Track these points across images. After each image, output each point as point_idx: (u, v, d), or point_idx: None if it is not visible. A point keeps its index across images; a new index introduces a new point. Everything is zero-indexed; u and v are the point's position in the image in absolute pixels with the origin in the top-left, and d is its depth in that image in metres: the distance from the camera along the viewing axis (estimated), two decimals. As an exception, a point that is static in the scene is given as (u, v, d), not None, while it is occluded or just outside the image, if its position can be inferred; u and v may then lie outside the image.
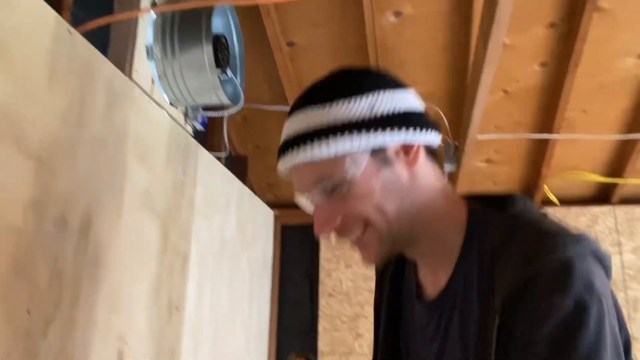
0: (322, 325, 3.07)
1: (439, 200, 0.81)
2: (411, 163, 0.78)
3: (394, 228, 0.77)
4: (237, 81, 2.00)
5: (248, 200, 2.77)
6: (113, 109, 1.50)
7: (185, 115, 2.02)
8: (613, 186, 2.95)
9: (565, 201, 3.08)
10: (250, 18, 2.23)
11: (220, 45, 1.87)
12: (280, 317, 3.18)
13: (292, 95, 2.51)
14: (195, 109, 2.03)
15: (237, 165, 2.96)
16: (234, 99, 2.00)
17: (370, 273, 3.07)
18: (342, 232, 0.80)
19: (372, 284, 3.18)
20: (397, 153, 0.78)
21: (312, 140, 0.75)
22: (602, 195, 3.08)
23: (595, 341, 0.62)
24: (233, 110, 2.03)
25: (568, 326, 0.62)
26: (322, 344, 3.04)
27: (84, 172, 1.36)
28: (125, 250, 1.54)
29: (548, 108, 2.56)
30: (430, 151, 0.83)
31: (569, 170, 2.91)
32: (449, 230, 0.80)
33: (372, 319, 3.22)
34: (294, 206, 3.33)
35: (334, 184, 0.76)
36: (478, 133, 2.14)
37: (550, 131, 2.60)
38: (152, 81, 1.79)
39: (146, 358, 1.65)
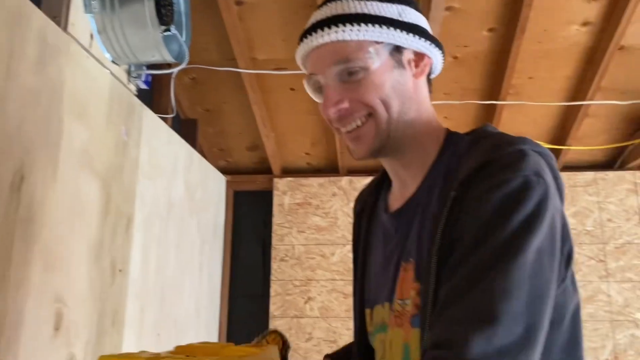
0: (274, 289, 3.10)
1: (429, 117, 0.89)
2: (418, 74, 0.87)
3: (392, 125, 0.84)
4: (182, 39, 1.94)
5: (197, 164, 2.73)
6: (46, 62, 1.44)
7: (128, 73, 1.96)
8: (557, 152, 3.04)
9: (512, 167, 3.16)
10: (197, -25, 2.17)
11: (163, 1, 1.81)
12: (232, 282, 3.19)
13: (241, 56, 2.46)
14: (138, 66, 1.96)
15: (186, 129, 2.90)
16: (179, 58, 1.95)
17: (323, 238, 3.11)
18: (345, 116, 0.85)
19: (325, 249, 3.21)
20: (409, 61, 0.86)
21: (345, 24, 0.82)
22: (547, 162, 3.17)
23: (533, 216, 0.69)
24: (177, 68, 1.97)
25: (512, 197, 0.70)
26: (274, 307, 3.07)
27: (14, 127, 1.30)
28: (62, 209, 1.50)
29: (496, 74, 2.60)
30: (429, 76, 0.92)
31: (516, 137, 2.98)
32: (429, 145, 0.88)
33: (323, 283, 3.24)
34: (247, 172, 3.32)
35: (353, 68, 0.82)
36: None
37: (497, 97, 2.65)
38: (91, 36, 1.73)
39: (87, 319, 1.63)
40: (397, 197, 0.94)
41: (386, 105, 0.84)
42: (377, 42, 0.83)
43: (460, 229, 0.73)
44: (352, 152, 0.89)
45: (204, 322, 2.80)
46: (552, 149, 2.99)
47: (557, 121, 2.90)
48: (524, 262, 0.66)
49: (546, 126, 2.93)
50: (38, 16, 1.41)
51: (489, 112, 2.80)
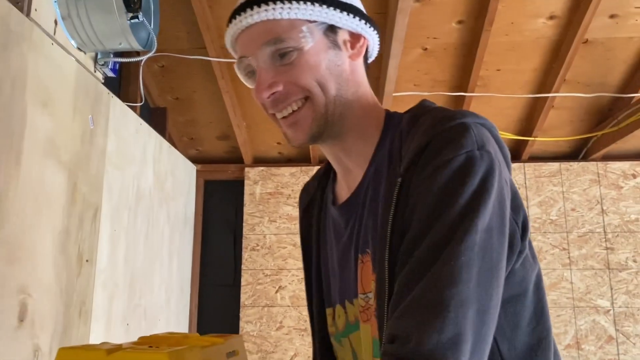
0: (245, 278, 3.10)
1: (367, 99, 0.86)
2: (354, 55, 0.84)
3: (330, 108, 0.81)
4: (151, 26, 1.92)
5: (167, 153, 2.71)
6: (8, 49, 1.41)
7: (95, 60, 1.93)
8: (524, 143, 3.11)
9: (480, 158, 3.21)
10: (165, -39, 2.14)
11: (130, -13, 1.78)
12: (202, 272, 3.18)
13: (211, 45, 2.44)
14: (105, 54, 1.93)
15: (155, 118, 2.87)
16: (148, 46, 1.92)
17: (294, 227, 3.12)
18: (280, 100, 0.80)
19: (296, 238, 3.22)
20: (344, 42, 0.83)
21: (275, 1, 0.77)
22: (514, 152, 3.23)
23: (479, 194, 0.67)
24: (145, 57, 1.95)
25: (456, 178, 0.68)
26: (245, 297, 3.08)
27: (-26, 115, 1.27)
28: (26, 199, 1.48)
29: (464, 66, 2.64)
30: (366, 58, 0.89)
31: (484, 128, 3.03)
32: (370, 128, 0.85)
33: (295, 272, 3.24)
34: (217, 161, 3.29)
35: (286, 48, 0.78)
36: (394, 92, 2.17)
37: (466, 89, 2.69)
38: (55, 22, 1.69)
39: (54, 310, 1.61)
40: (342, 187, 0.91)
41: (322, 87, 0.79)
42: (310, 21, 0.79)
43: (409, 215, 0.70)
44: (290, 139, 0.85)
45: (174, 312, 2.79)
46: (519, 140, 3.06)
47: (524, 113, 2.96)
48: (472, 244, 0.65)
49: (513, 118, 2.99)
50: (0, 2, 1.37)
51: (458, 103, 2.84)
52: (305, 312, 3.03)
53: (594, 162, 3.14)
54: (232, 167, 3.31)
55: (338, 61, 0.81)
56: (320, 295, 0.96)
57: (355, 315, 0.86)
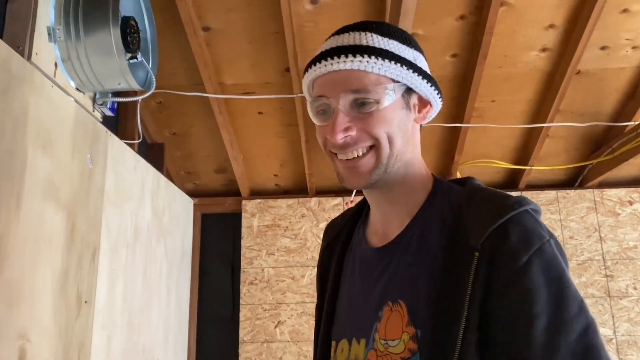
0: (244, 313, 3.06)
1: (420, 160, 0.93)
2: (419, 119, 0.91)
3: (391, 161, 0.86)
4: (149, 66, 1.93)
5: (164, 188, 2.70)
6: (9, 93, 1.41)
7: (94, 100, 1.94)
8: (520, 172, 3.12)
9: (477, 187, 3.23)
10: (163, 0, 2.17)
11: (130, 28, 1.80)
12: (200, 307, 3.14)
13: (209, 81, 2.46)
14: (103, 94, 1.94)
15: (153, 153, 2.87)
16: (146, 84, 1.94)
17: (292, 260, 3.10)
18: (350, 144, 0.85)
19: (294, 271, 3.19)
20: (414, 105, 0.89)
21: (370, 55, 0.83)
22: (510, 181, 3.25)
23: (565, 275, 0.75)
24: (144, 96, 1.96)
25: (550, 268, 0.75)
26: (244, 332, 3.04)
27: (-25, 160, 1.27)
28: (26, 241, 1.46)
29: (459, 98, 2.67)
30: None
31: (480, 158, 3.05)
32: (418, 186, 0.91)
33: (293, 306, 3.21)
34: (214, 194, 3.29)
35: (368, 99, 0.83)
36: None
37: (461, 120, 2.71)
38: (55, 65, 1.70)
39: (53, 355, 1.58)
40: (376, 232, 0.95)
41: (391, 140, 0.85)
42: (394, 81, 0.85)
43: (502, 302, 0.74)
44: (345, 180, 0.89)
45: (172, 349, 2.75)
46: (515, 169, 3.07)
47: (520, 142, 2.98)
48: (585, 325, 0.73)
49: (509, 147, 3.01)
50: (1, 47, 1.38)
51: (454, 134, 2.86)
52: (305, 348, 2.99)
53: (591, 190, 3.15)
54: (229, 200, 3.30)
55: (407, 121, 0.88)
56: (328, 327, 0.99)
57: (357, 355, 0.87)
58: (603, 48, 2.44)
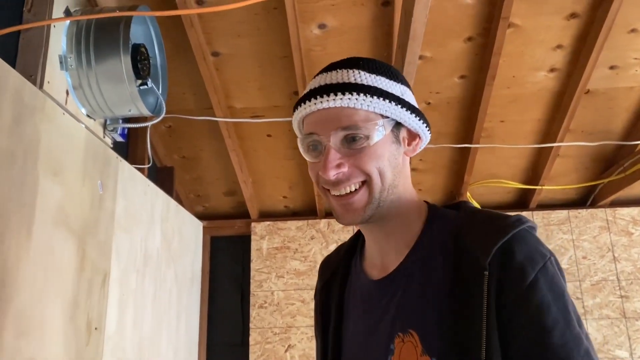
0: (253, 337, 3.04)
1: (412, 191, 0.94)
2: (409, 152, 0.92)
3: (383, 195, 0.87)
4: (159, 91, 1.95)
5: (174, 212, 2.71)
6: (22, 122, 1.43)
7: (104, 126, 1.95)
8: (531, 192, 3.10)
9: (487, 207, 3.21)
10: (173, 27, 2.19)
11: (140, 55, 1.82)
12: (210, 331, 3.12)
13: (218, 105, 2.48)
14: (114, 120, 1.96)
15: (162, 177, 2.88)
16: (156, 110, 1.95)
17: (302, 283, 3.08)
18: (342, 180, 0.86)
19: (304, 294, 3.16)
20: (404, 139, 0.91)
21: (359, 93, 0.85)
22: (521, 201, 3.23)
23: (565, 289, 0.79)
24: (154, 121, 1.97)
25: (554, 284, 0.77)
26: (254, 356, 3.00)
27: (-13, 189, 1.28)
28: (37, 270, 1.46)
29: (468, 118, 2.66)
30: None
31: (490, 178, 3.04)
32: (413, 216, 0.92)
33: (304, 330, 3.18)
34: (224, 217, 3.28)
35: (358, 135, 0.84)
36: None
37: (470, 140, 2.71)
38: (67, 92, 1.72)
39: (62, 383, 1.57)
40: (374, 264, 0.95)
41: (382, 175, 0.86)
42: (383, 116, 0.86)
43: (514, 320, 0.76)
44: (339, 217, 0.89)
45: (182, 374, 2.72)
46: (526, 189, 3.05)
47: (529, 162, 2.97)
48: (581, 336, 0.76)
49: (519, 167, 3.00)
50: (14, 77, 1.40)
51: (463, 155, 2.85)
52: (316, 371, 2.95)
53: (603, 209, 3.12)
54: (238, 223, 3.29)
55: (397, 155, 0.89)
56: None
57: None
58: (612, 67, 2.43)
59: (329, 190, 0.88)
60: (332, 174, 0.85)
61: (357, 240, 1.05)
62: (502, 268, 0.77)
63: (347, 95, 0.84)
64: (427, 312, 0.82)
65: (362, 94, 0.84)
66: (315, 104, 0.86)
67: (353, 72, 0.87)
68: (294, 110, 0.92)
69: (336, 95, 0.84)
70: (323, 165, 0.85)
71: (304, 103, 0.88)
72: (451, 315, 0.79)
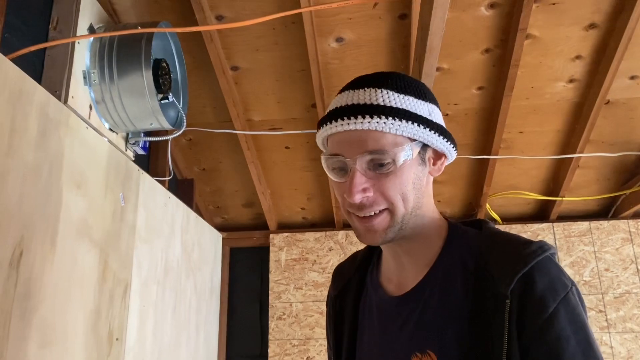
0: (272, 349, 3.04)
1: (434, 209, 0.93)
2: (434, 172, 0.91)
3: (406, 218, 0.86)
4: (180, 105, 1.98)
5: (194, 224, 2.73)
6: (47, 136, 1.46)
7: (126, 140, 1.99)
8: (551, 203, 3.07)
9: (507, 219, 3.19)
10: (193, 42, 2.23)
11: (161, 70, 1.86)
12: (229, 342, 3.13)
13: (237, 119, 2.51)
14: (136, 134, 2.00)
15: (183, 189, 2.92)
16: (177, 123, 1.99)
17: (321, 294, 3.08)
18: (367, 205, 0.84)
19: (323, 306, 3.15)
20: (429, 158, 0.89)
21: (387, 116, 0.82)
22: (541, 212, 3.20)
23: (583, 310, 0.80)
24: (175, 135, 2.01)
25: (575, 314, 0.78)
26: (272, 368, 3.01)
27: (14, 202, 1.31)
28: (60, 281, 1.49)
29: (487, 130, 2.65)
30: None
31: (509, 189, 3.02)
32: (433, 234, 0.91)
33: (322, 342, 3.17)
34: (243, 228, 3.31)
35: (386, 160, 0.82)
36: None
37: (489, 152, 2.70)
38: (90, 107, 1.76)
39: (83, 392, 1.59)
40: (391, 279, 0.95)
41: (405, 200, 0.85)
42: (411, 139, 0.84)
43: (533, 350, 0.76)
44: (360, 236, 0.88)
45: (201, 386, 2.73)
46: (546, 200, 3.02)
47: (549, 173, 2.94)
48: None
49: (538, 178, 2.97)
50: (40, 92, 1.44)
51: (482, 166, 2.84)
52: (334, 383, 2.93)
53: (625, 220, 3.08)
54: (257, 234, 3.31)
55: (422, 176, 0.87)
56: None
57: None
58: (632, 77, 2.41)
59: (353, 212, 0.87)
60: (358, 198, 0.83)
61: (373, 251, 1.04)
62: (523, 297, 0.77)
63: (375, 119, 0.81)
64: (447, 333, 0.82)
65: (390, 118, 0.82)
66: (341, 125, 0.83)
67: (381, 92, 0.84)
68: (319, 127, 0.90)
69: (364, 117, 0.82)
70: (349, 189, 0.83)
71: (330, 123, 0.86)
72: (472, 339, 0.79)
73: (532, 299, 0.77)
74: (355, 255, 1.08)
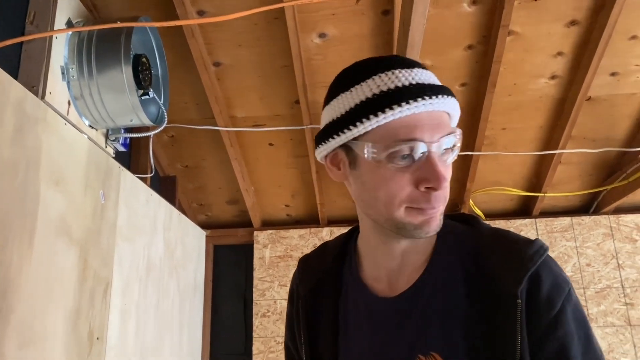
0: (257, 347, 3.03)
1: None
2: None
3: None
4: (161, 101, 1.96)
5: (177, 221, 2.71)
6: (24, 132, 1.44)
7: (106, 136, 1.96)
8: (534, 199, 3.09)
9: (490, 215, 3.20)
10: (175, 38, 2.20)
11: (141, 65, 1.84)
12: (213, 340, 3.11)
13: (219, 115, 2.48)
14: (116, 130, 1.97)
15: (165, 186, 2.89)
16: (158, 120, 1.96)
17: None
18: (443, 197, 0.77)
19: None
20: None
21: (453, 96, 0.76)
22: (524, 208, 3.22)
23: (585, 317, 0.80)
24: (156, 131, 1.98)
25: (577, 309, 0.78)
26: (257, 365, 3.00)
27: (-11, 199, 1.28)
28: (38, 280, 1.47)
29: (470, 126, 2.66)
30: None
31: (493, 186, 3.03)
32: None
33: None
34: (227, 226, 3.28)
35: (459, 143, 0.76)
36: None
37: (472, 148, 2.71)
38: (69, 103, 1.73)
39: (63, 393, 1.57)
40: (380, 279, 0.88)
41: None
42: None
43: (542, 348, 0.76)
44: (419, 229, 0.77)
45: (184, 384, 2.71)
46: (529, 196, 3.05)
47: (532, 169, 2.96)
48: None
49: (521, 174, 2.99)
50: (16, 87, 1.41)
51: (466, 162, 2.85)
52: (319, 380, 2.93)
53: (606, 216, 3.11)
54: (241, 231, 3.30)
55: None
56: None
57: None
58: (613, 74, 2.43)
59: (424, 209, 0.76)
60: (442, 192, 0.75)
61: (347, 245, 0.96)
62: (531, 296, 0.77)
63: (450, 99, 0.74)
64: (454, 335, 0.78)
65: (454, 99, 0.75)
66: (424, 104, 0.71)
67: (429, 72, 0.77)
68: (376, 113, 0.73)
69: (444, 97, 0.73)
70: (435, 177, 0.72)
71: (407, 102, 0.71)
72: (480, 340, 0.76)
73: (541, 298, 0.76)
74: (323, 247, 0.99)
